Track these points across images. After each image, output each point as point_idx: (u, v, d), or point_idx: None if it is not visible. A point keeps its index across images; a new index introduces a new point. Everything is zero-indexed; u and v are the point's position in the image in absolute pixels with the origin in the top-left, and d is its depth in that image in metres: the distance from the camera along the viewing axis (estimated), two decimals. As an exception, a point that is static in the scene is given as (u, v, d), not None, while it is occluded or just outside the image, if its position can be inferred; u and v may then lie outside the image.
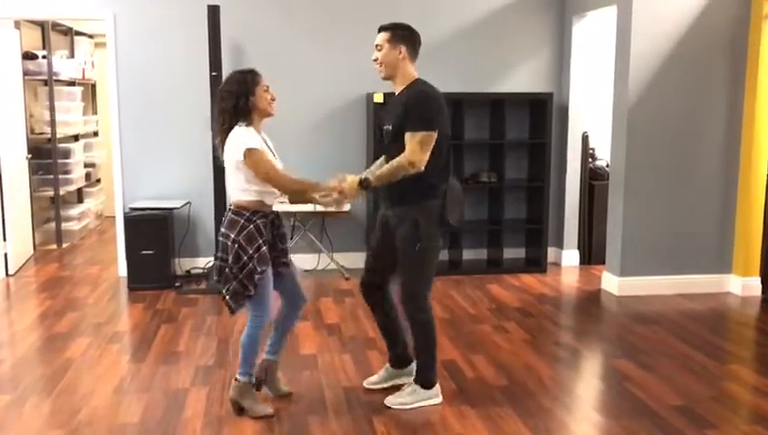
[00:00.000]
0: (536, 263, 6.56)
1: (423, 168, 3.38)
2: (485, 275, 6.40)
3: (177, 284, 5.97)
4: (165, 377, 4.07)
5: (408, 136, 3.39)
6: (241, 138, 3.38)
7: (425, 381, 3.67)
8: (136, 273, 5.91)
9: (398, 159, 3.41)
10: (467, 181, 6.49)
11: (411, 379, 3.73)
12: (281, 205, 6.21)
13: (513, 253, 6.73)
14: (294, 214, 6.43)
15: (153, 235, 5.90)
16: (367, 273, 3.81)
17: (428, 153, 3.39)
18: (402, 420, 3.53)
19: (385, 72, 3.55)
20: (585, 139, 6.72)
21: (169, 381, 4.02)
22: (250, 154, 3.35)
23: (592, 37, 6.63)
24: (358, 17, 6.31)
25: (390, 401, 3.67)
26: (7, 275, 6.34)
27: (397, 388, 3.77)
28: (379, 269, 3.76)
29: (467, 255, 6.63)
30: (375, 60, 3.54)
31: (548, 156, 6.42)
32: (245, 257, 3.40)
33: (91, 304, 5.56)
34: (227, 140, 3.43)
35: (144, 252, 5.86)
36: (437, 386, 3.71)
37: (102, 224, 8.91)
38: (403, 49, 3.49)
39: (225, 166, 3.50)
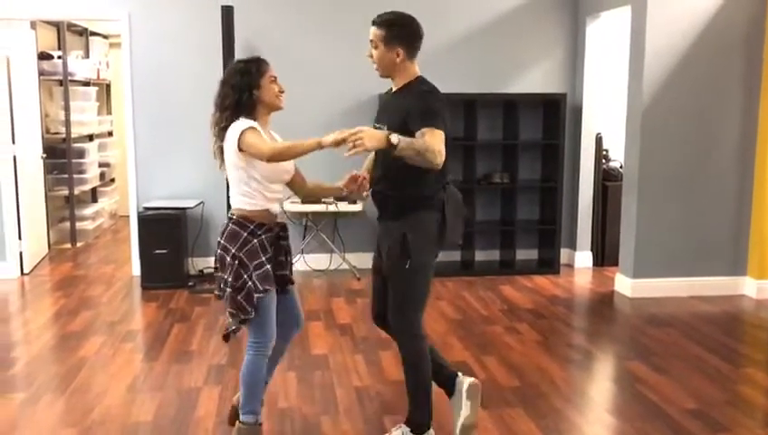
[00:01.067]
0: (549, 264, 6.54)
1: (440, 165, 2.95)
2: (498, 276, 6.38)
3: (190, 283, 5.99)
4: (178, 376, 4.09)
5: (426, 130, 2.90)
6: (235, 127, 2.98)
7: (415, 426, 3.17)
8: (149, 272, 5.94)
9: (428, 141, 2.87)
10: (480, 182, 6.48)
11: (462, 399, 3.22)
12: (293, 205, 6.28)
13: (525, 254, 6.71)
14: (307, 214, 6.45)
15: (166, 234, 5.93)
16: (374, 303, 3.31)
17: (444, 149, 2.96)
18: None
19: (382, 72, 3.13)
20: (599, 140, 6.69)
21: (182, 380, 4.03)
22: (244, 135, 2.91)
23: (606, 38, 6.60)
24: (371, 17, 6.30)
25: None
26: (22, 273, 6.39)
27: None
28: (383, 295, 3.21)
29: (480, 256, 6.61)
30: (370, 56, 3.12)
31: (561, 157, 6.40)
32: (245, 276, 2.99)
33: (105, 302, 5.60)
34: (226, 137, 3.03)
35: (157, 251, 5.89)
36: (431, 431, 3.21)
37: (116, 223, 8.96)
38: (401, 51, 3.05)
39: (227, 171, 3.11)
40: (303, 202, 6.23)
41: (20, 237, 6.35)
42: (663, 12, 5.46)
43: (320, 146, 2.86)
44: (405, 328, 3.11)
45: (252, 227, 3.05)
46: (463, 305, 5.50)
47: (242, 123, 2.99)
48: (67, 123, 7.64)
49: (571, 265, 6.76)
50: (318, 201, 6.21)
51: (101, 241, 7.99)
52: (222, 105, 3.07)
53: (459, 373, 3.29)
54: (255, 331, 3.08)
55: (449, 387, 3.27)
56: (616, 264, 6.15)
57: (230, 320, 3.08)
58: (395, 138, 2.81)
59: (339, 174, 3.36)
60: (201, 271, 6.34)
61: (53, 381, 4.03)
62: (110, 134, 9.27)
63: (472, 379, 3.26)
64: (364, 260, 6.47)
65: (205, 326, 4.99)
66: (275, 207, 3.14)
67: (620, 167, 6.60)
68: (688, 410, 3.65)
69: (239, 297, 2.99)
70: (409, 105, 3.01)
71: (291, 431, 3.42)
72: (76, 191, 7.79)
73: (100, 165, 8.61)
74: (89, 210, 8.14)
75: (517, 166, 6.43)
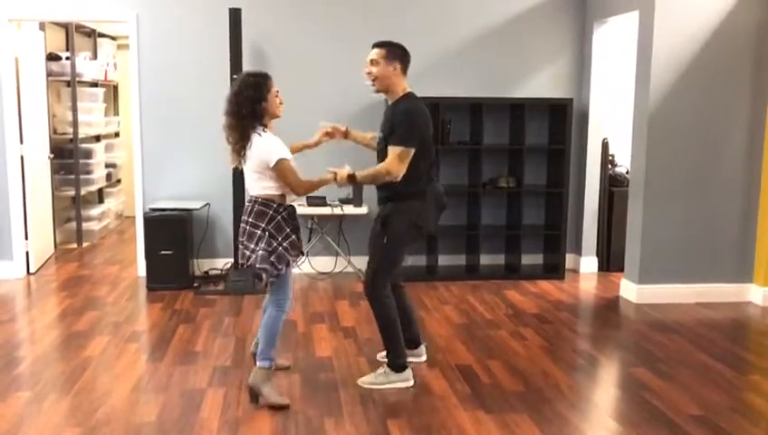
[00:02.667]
0: (554, 269, 6.53)
1: (399, 177, 3.71)
2: (503, 280, 6.37)
3: (195, 284, 6.01)
4: (182, 377, 4.09)
5: (389, 148, 3.73)
6: (273, 146, 3.60)
7: (394, 366, 3.93)
8: (155, 273, 5.95)
9: (379, 165, 3.78)
10: (485, 186, 6.48)
11: (419, 359, 4.23)
12: (299, 207, 6.27)
13: (531, 259, 6.70)
14: (312, 217, 6.45)
15: (172, 235, 5.94)
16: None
17: (405, 165, 3.71)
18: (417, 423, 3.52)
19: (379, 85, 3.84)
20: (605, 145, 6.68)
21: (187, 381, 4.04)
22: (281, 164, 3.58)
23: (613, 43, 6.60)
24: (378, 20, 6.32)
25: (364, 380, 3.96)
26: (28, 273, 6.41)
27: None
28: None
29: (485, 260, 6.61)
30: (369, 73, 3.84)
31: (567, 162, 6.39)
32: (276, 243, 3.64)
33: (111, 303, 5.61)
34: (254, 145, 3.59)
35: (163, 252, 5.90)
36: (409, 370, 3.96)
37: (122, 224, 8.99)
38: (398, 66, 3.80)
39: (245, 168, 3.70)
40: (309, 205, 6.24)
41: (26, 237, 6.38)
42: (671, 17, 5.45)
43: (331, 181, 3.80)
44: (374, 294, 3.89)
45: (275, 205, 3.69)
46: (468, 309, 5.49)
47: (275, 144, 3.62)
48: (74, 124, 7.66)
49: (576, 271, 6.75)
50: (323, 204, 6.22)
51: (107, 242, 8.01)
52: (239, 114, 3.59)
53: (423, 346, 4.31)
54: (278, 290, 3.76)
55: (408, 343, 4.12)
56: (621, 269, 6.13)
57: (260, 271, 3.66)
58: (353, 175, 3.75)
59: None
60: (206, 272, 6.35)
61: (59, 380, 4.04)
62: (117, 135, 9.30)
63: (411, 381, 3.97)
64: (369, 263, 6.50)
65: (210, 327, 4.99)
66: (290, 195, 3.77)
67: (627, 172, 6.59)
68: (693, 416, 3.64)
69: (272, 258, 3.63)
70: (394, 120, 3.78)
71: (294, 433, 3.43)
72: (83, 192, 7.82)
73: (107, 166, 8.64)
74: (95, 211, 8.17)
75: (523, 170, 6.43)
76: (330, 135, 4.21)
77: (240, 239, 3.77)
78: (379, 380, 3.94)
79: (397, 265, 4.00)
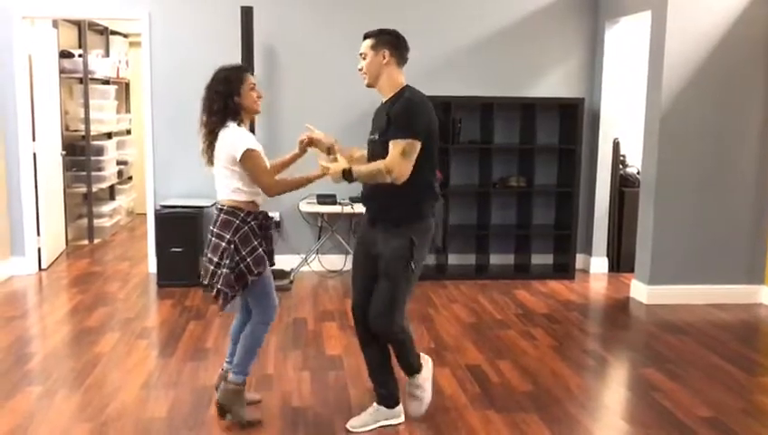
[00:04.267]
0: (564, 269, 6.52)
1: (402, 178, 3.16)
2: (513, 280, 6.36)
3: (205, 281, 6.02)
4: (192, 373, 4.11)
5: (391, 144, 3.16)
6: (239, 136, 3.30)
7: (411, 369, 3.48)
8: (165, 270, 5.98)
9: (378, 162, 3.19)
10: (496, 185, 6.47)
11: (398, 420, 3.50)
12: (309, 205, 6.30)
13: (540, 259, 6.69)
14: (322, 215, 6.46)
15: (183, 232, 5.97)
16: (359, 294, 3.45)
17: (410, 163, 3.16)
18: (426, 422, 3.52)
19: (368, 78, 3.33)
20: (616, 145, 6.66)
21: (197, 377, 4.05)
22: (249, 155, 3.28)
23: (625, 43, 6.58)
24: (390, 20, 6.28)
25: (352, 423, 3.46)
26: (40, 269, 6.45)
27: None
28: (369, 290, 3.38)
29: (495, 259, 6.60)
30: (360, 69, 3.36)
31: (578, 162, 6.37)
32: (238, 258, 3.33)
33: (121, 299, 5.64)
34: (220, 139, 3.32)
35: (174, 249, 5.93)
36: (400, 406, 3.51)
37: (133, 221, 9.03)
38: (386, 53, 3.26)
39: (214, 169, 3.41)
40: (319, 203, 6.25)
41: (38, 233, 6.41)
42: (683, 17, 5.43)
43: (322, 176, 3.37)
44: (390, 326, 3.31)
45: (242, 215, 3.37)
46: (477, 309, 5.49)
47: (243, 134, 3.33)
48: (86, 121, 7.70)
49: (586, 271, 6.73)
50: (334, 203, 6.23)
51: (118, 238, 8.05)
52: (210, 109, 3.36)
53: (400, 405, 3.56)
54: (259, 303, 3.46)
55: (385, 393, 3.51)
56: (631, 270, 6.11)
57: (221, 296, 3.37)
58: (349, 172, 3.24)
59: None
60: (216, 270, 6.36)
61: (70, 375, 4.07)
62: (129, 132, 9.34)
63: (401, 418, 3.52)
64: (379, 262, 6.52)
65: (220, 324, 5.01)
66: (260, 199, 3.46)
67: (637, 173, 6.56)
68: (703, 418, 3.62)
69: (232, 276, 3.32)
70: (392, 114, 3.22)
71: (304, 430, 3.43)
72: (94, 189, 7.85)
73: (118, 163, 8.68)
74: (106, 208, 8.20)
75: (534, 170, 6.42)
76: (309, 143, 3.62)
77: (204, 250, 3.49)
78: (369, 419, 3.46)
79: (411, 294, 3.42)
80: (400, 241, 3.24)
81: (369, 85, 3.37)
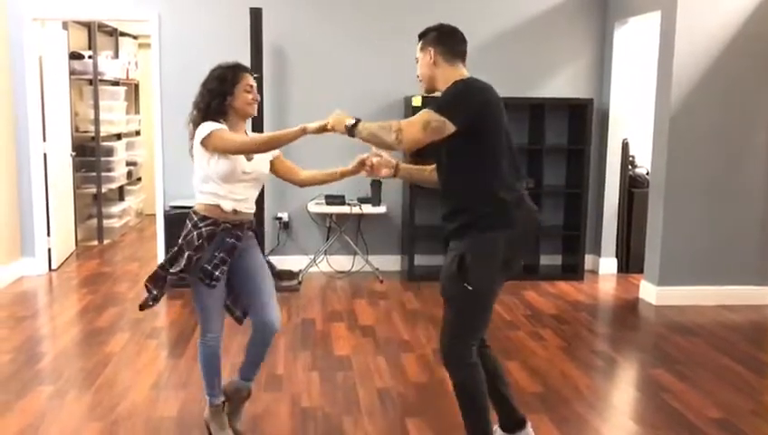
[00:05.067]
0: (573, 270, 6.50)
1: (407, 145, 2.78)
2: (521, 281, 6.35)
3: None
4: (202, 374, 4.12)
5: (424, 111, 2.78)
6: (203, 127, 3.07)
7: None
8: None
9: (392, 121, 2.80)
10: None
11: None
12: (317, 206, 6.31)
13: (549, 259, 6.68)
14: (330, 215, 6.47)
15: (192, 233, 5.97)
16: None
17: (426, 135, 2.72)
18: (435, 422, 3.52)
19: (424, 83, 3.00)
20: (625, 146, 6.64)
21: (206, 377, 4.06)
22: (214, 135, 3.00)
23: (634, 43, 6.56)
24: (398, 20, 6.33)
25: None
26: (50, 269, 6.48)
27: None
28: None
29: (503, 260, 6.58)
30: (418, 76, 3.02)
31: (587, 162, 6.36)
32: (179, 259, 3.08)
33: (131, 299, 5.66)
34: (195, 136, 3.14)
35: (183, 250, 5.94)
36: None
37: (142, 222, 9.06)
38: (432, 51, 2.91)
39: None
40: (328, 204, 6.26)
41: (48, 234, 6.45)
42: (693, 18, 5.41)
43: (304, 132, 2.97)
44: (454, 358, 2.91)
45: (195, 219, 3.14)
46: (486, 310, 5.48)
47: (209, 125, 3.06)
48: (96, 122, 7.74)
49: (595, 272, 6.72)
50: (342, 203, 6.24)
51: (128, 239, 8.08)
52: (197, 106, 3.20)
53: (528, 423, 3.16)
54: (200, 322, 3.27)
55: (508, 423, 3.14)
56: (641, 271, 6.09)
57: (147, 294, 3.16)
58: (351, 120, 2.82)
59: (345, 161, 3.32)
60: (225, 270, 6.37)
61: (80, 375, 4.09)
62: (138, 133, 9.38)
63: None
64: (387, 262, 6.52)
65: (228, 325, 5.00)
66: (228, 205, 3.13)
67: (647, 173, 6.54)
68: (713, 419, 3.61)
69: (156, 275, 3.11)
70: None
71: (313, 431, 3.44)
72: (104, 189, 7.89)
73: (128, 164, 8.72)
74: (116, 208, 8.24)
75: (542, 171, 6.41)
76: (366, 168, 3.17)
77: None
78: None
79: (485, 323, 2.97)
80: (452, 257, 2.86)
81: (427, 91, 3.01)
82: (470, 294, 2.81)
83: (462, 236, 2.86)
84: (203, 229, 3.10)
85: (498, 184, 2.84)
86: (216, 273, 3.10)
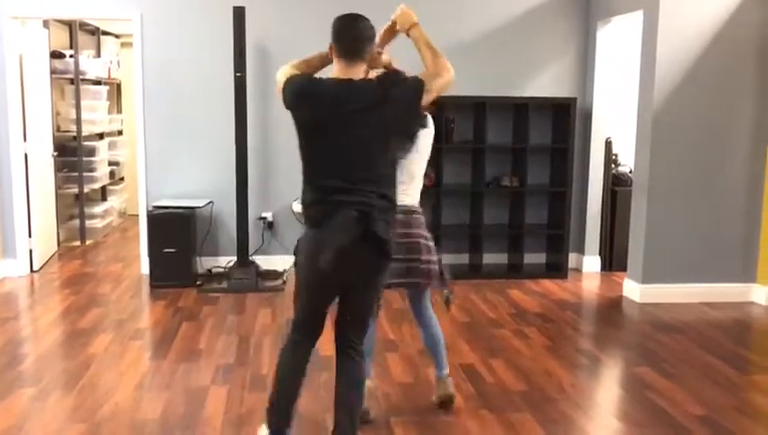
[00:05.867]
0: (557, 268, 6.53)
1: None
2: (506, 279, 6.37)
3: (198, 282, 6.01)
4: (186, 374, 4.10)
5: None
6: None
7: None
8: (158, 270, 5.95)
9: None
10: (489, 185, 6.48)
11: None
12: (294, 203, 6.27)
13: (533, 258, 6.70)
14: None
15: (176, 233, 5.94)
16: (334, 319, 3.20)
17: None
18: (421, 423, 3.52)
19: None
20: (608, 144, 6.68)
21: (190, 378, 4.04)
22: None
23: (617, 42, 6.60)
24: (381, 20, 6.30)
25: None
26: (32, 271, 6.41)
27: None
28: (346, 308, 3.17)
29: (488, 259, 6.60)
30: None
31: (570, 161, 6.39)
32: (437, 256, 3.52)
33: (114, 300, 5.62)
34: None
35: (167, 250, 5.91)
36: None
37: (125, 222, 8.99)
38: (333, 47, 3.07)
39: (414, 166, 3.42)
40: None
41: (30, 235, 6.38)
42: (675, 17, 5.45)
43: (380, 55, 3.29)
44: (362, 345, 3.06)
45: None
46: (471, 308, 5.49)
47: None
48: (78, 122, 7.68)
49: (579, 270, 6.75)
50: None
51: (110, 239, 8.02)
52: None
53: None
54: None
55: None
56: (624, 269, 6.13)
57: (446, 290, 3.61)
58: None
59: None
60: (209, 270, 6.35)
61: (63, 377, 4.05)
62: (120, 133, 9.31)
63: None
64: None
65: (213, 325, 5.00)
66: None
67: (630, 172, 6.58)
68: (697, 416, 3.64)
69: (444, 271, 3.52)
70: None
71: (297, 430, 3.42)
72: (86, 189, 7.83)
73: (110, 163, 8.65)
74: (98, 208, 8.17)
75: (526, 169, 6.43)
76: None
77: (403, 257, 3.30)
78: None
79: (302, 306, 3.13)
80: (382, 244, 2.88)
81: None
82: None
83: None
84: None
85: (314, 178, 2.88)
86: None
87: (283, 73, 3.05)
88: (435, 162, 6.01)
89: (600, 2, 6.46)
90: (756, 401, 3.90)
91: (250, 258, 6.18)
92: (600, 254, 6.79)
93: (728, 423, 3.56)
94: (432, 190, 6.15)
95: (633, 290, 5.79)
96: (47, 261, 6.79)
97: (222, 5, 6.08)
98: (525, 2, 6.55)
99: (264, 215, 6.49)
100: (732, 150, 5.66)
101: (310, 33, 6.39)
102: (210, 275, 6.27)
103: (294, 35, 6.37)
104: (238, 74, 5.85)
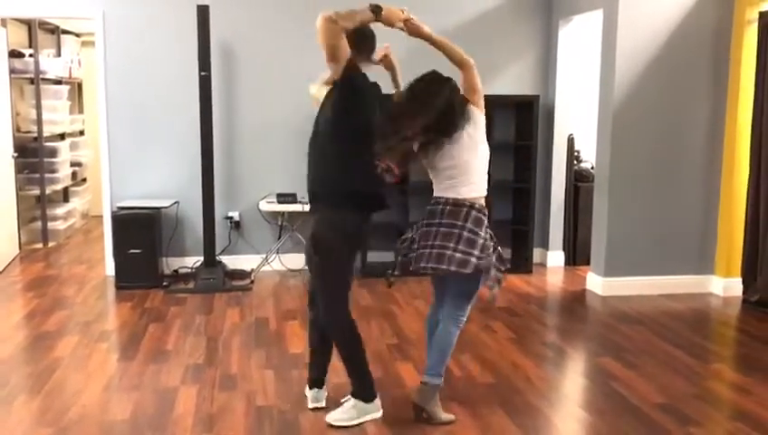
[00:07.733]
0: (522, 263, 6.62)
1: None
2: (472, 275, 6.43)
3: (164, 283, 5.97)
4: (154, 375, 4.08)
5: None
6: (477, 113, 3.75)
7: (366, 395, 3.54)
8: (123, 272, 5.90)
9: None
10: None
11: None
12: (268, 205, 6.28)
13: (499, 253, 6.77)
14: (282, 214, 6.46)
15: (141, 234, 5.90)
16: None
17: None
18: (391, 416, 3.55)
19: None
20: (570, 141, 6.79)
21: (159, 379, 4.03)
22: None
23: (578, 41, 6.71)
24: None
25: (333, 417, 3.49)
26: (-7, 273, 6.32)
27: None
28: None
29: (454, 255, 6.66)
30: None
31: (534, 158, 6.49)
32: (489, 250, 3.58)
33: (79, 302, 5.56)
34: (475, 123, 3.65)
35: (132, 251, 5.86)
36: (378, 399, 3.56)
37: (88, 223, 8.87)
38: None
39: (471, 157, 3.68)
40: (279, 202, 6.24)
41: (-9, 237, 6.28)
42: (634, 15, 5.57)
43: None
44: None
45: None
46: (438, 304, 5.54)
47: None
48: (39, 122, 7.55)
49: (543, 265, 6.85)
50: (294, 201, 6.22)
51: (73, 241, 7.92)
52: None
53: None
54: (463, 304, 3.55)
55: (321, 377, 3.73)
56: (587, 263, 6.25)
57: (495, 284, 3.52)
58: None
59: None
60: (176, 271, 6.31)
61: (28, 381, 4.00)
62: (82, 133, 9.18)
63: (381, 412, 3.55)
64: (339, 260, 6.52)
65: (180, 326, 4.98)
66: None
67: (592, 168, 6.70)
68: (658, 404, 3.74)
69: (498, 263, 3.57)
70: None
71: (269, 429, 3.44)
72: (48, 191, 7.71)
73: (72, 164, 8.52)
74: (60, 210, 8.05)
75: (490, 166, 6.47)
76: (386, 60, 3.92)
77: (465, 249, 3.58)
78: (349, 414, 3.48)
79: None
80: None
81: None
82: None
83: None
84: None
85: None
86: None
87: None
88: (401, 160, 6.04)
89: (561, 1, 6.57)
90: (715, 389, 4.02)
91: (217, 258, 6.16)
92: (563, 249, 6.91)
93: (689, 410, 3.67)
94: (399, 188, 6.18)
95: (596, 283, 5.91)
96: (8, 264, 6.68)
97: (186, 4, 6.05)
98: (488, 1, 6.63)
99: (230, 214, 6.47)
100: (689, 145, 5.80)
101: (274, 32, 6.41)
102: (177, 276, 6.24)
103: (259, 34, 6.37)
104: (203, 74, 5.83)
